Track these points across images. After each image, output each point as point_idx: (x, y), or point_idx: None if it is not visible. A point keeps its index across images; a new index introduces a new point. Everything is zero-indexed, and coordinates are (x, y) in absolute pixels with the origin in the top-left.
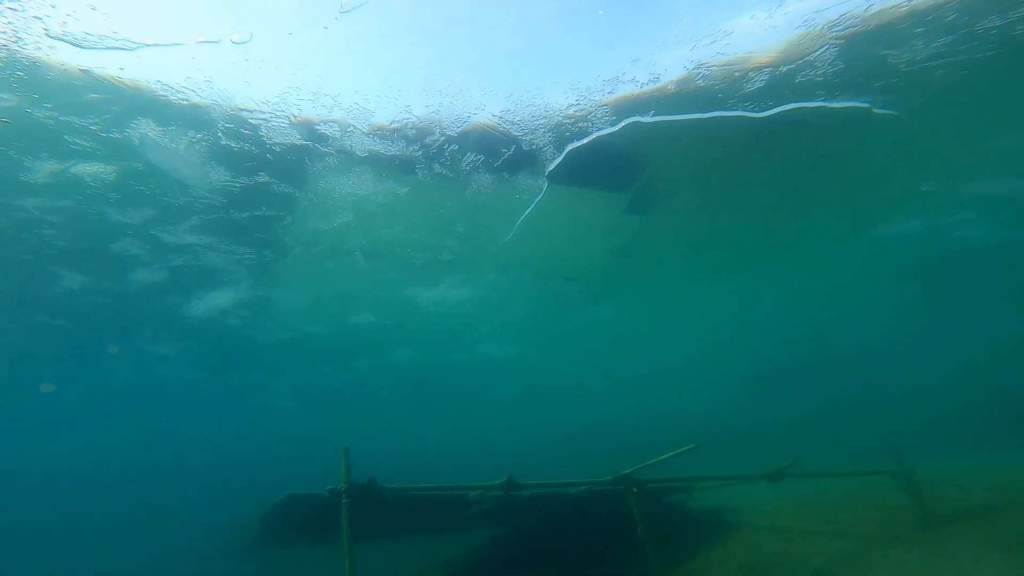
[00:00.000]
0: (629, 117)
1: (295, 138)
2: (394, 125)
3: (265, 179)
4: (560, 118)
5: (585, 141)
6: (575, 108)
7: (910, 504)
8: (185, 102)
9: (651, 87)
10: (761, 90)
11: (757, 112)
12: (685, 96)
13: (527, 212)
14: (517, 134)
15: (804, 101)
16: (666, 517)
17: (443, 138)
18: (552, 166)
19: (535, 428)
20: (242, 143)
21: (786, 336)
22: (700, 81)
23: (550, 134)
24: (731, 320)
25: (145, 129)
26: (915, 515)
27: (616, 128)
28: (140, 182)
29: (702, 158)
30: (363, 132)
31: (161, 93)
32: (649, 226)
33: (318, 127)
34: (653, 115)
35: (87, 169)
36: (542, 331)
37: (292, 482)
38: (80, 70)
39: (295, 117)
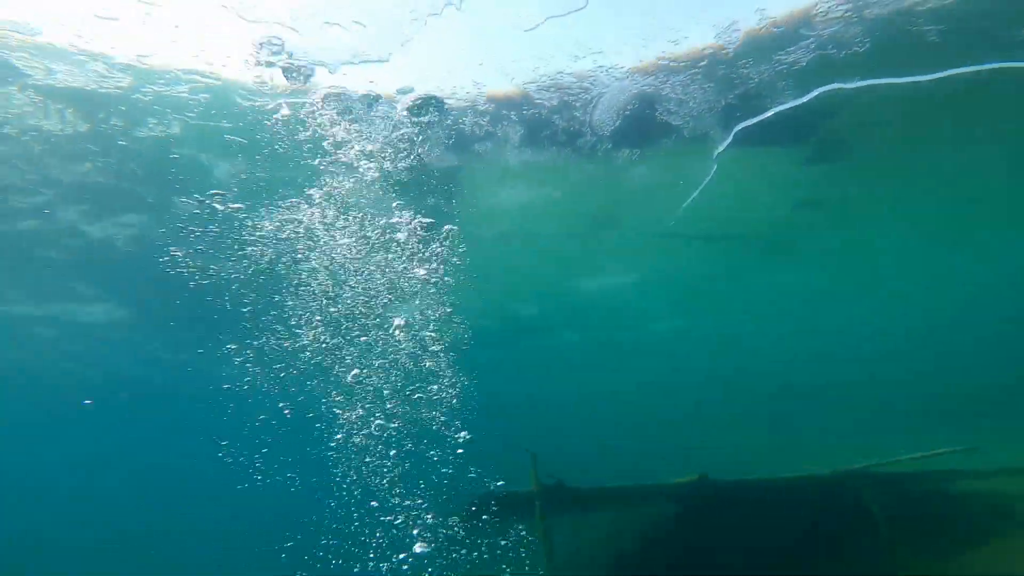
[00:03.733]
0: (820, 85)
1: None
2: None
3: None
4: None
5: (759, 119)
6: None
7: None
8: None
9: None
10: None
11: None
12: (888, 45)
13: (693, 196)
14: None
15: None
16: (919, 511)
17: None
18: (721, 148)
19: (718, 410)
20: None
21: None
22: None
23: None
24: (960, 278)
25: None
26: None
27: (805, 99)
28: None
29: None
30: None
31: None
32: (840, 173)
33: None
34: (858, 81)
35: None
36: (717, 301)
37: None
38: None
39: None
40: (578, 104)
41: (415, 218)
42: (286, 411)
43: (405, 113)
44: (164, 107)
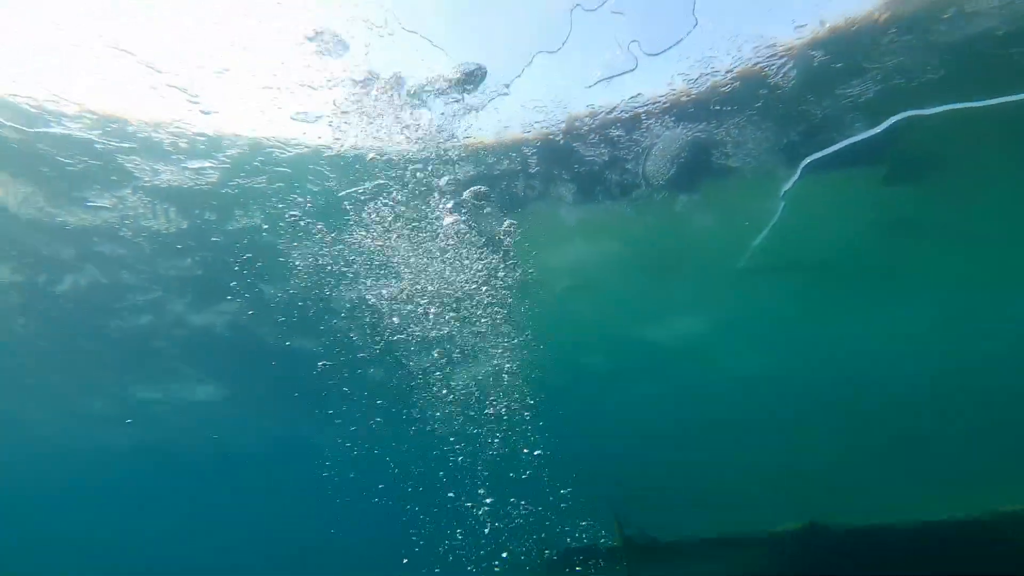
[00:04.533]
0: (893, 114)
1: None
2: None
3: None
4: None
5: (829, 151)
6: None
7: None
8: None
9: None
10: None
11: None
12: (967, 68)
13: (762, 235)
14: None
15: None
16: None
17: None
18: (788, 186)
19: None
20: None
21: None
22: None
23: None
24: None
25: None
26: None
27: (878, 129)
28: None
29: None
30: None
31: None
32: (929, 192)
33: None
34: (937, 107)
35: None
36: (799, 338)
37: None
38: None
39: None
40: (630, 156)
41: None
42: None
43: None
44: (247, 198)
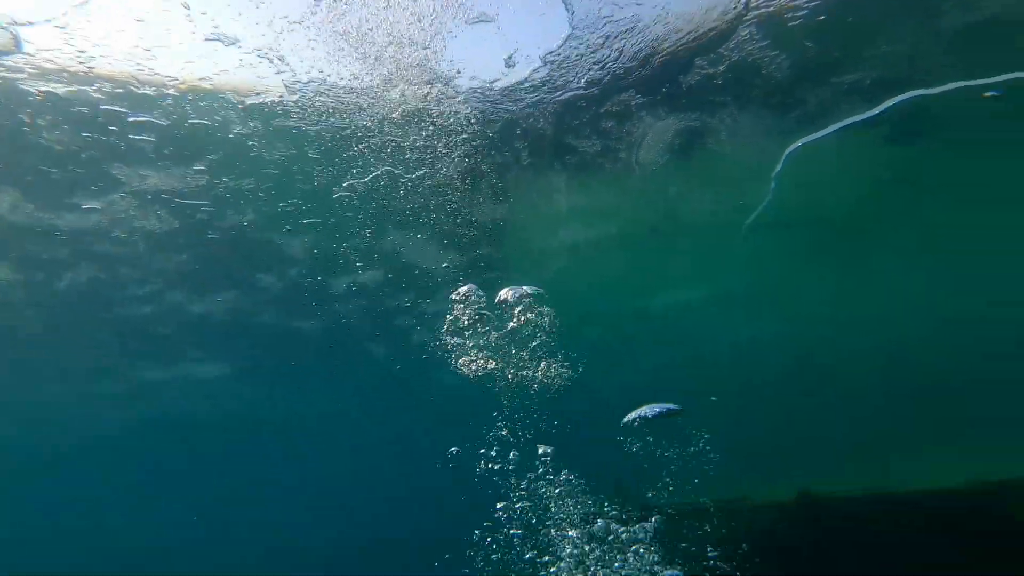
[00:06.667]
0: (891, 96)
1: None
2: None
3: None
4: None
5: (813, 137)
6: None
7: None
8: None
9: None
10: None
11: None
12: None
13: (753, 216)
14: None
15: None
16: None
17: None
18: (778, 169)
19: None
20: None
21: None
22: None
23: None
24: None
25: None
26: None
27: (876, 111)
28: None
29: None
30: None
31: None
32: (930, 150)
33: None
34: (939, 87)
35: None
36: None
37: None
38: None
39: None
40: (622, 145)
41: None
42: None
43: None
44: (237, 198)
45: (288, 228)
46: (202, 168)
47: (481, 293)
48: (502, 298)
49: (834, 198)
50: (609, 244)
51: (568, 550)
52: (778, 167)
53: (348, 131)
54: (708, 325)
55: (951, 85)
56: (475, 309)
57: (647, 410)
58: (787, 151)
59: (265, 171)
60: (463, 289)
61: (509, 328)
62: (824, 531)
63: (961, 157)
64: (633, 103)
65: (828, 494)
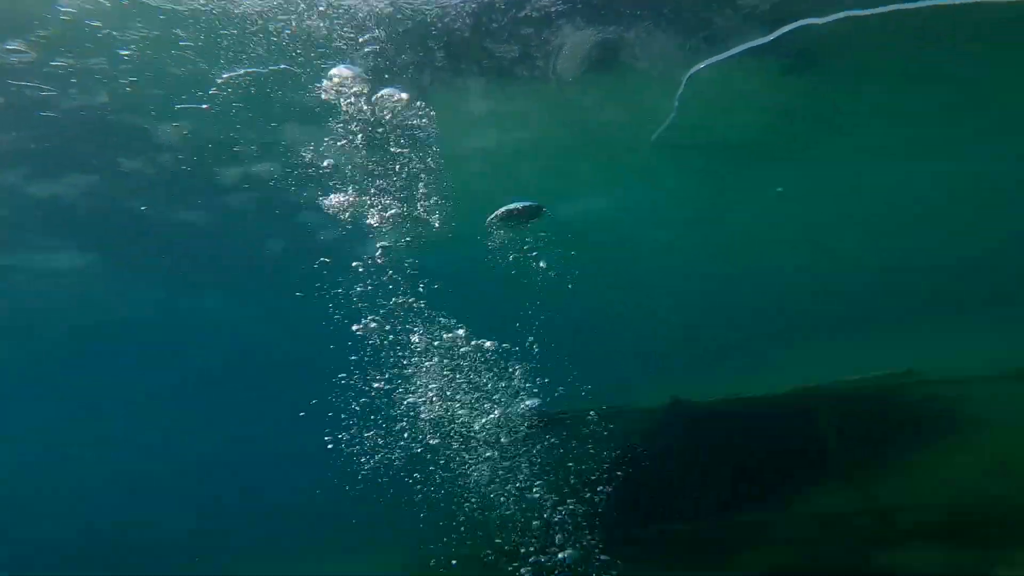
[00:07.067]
0: (786, 22)
1: None
2: None
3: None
4: None
5: (712, 61)
6: None
7: None
8: None
9: None
10: None
11: None
12: None
13: (658, 131)
14: None
15: None
16: (871, 415)
17: None
18: (680, 90)
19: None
20: None
21: None
22: None
23: None
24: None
25: None
26: None
27: (771, 38)
28: None
29: None
30: None
31: None
32: (821, 86)
33: None
34: (831, 16)
35: None
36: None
37: None
38: None
39: None
40: (540, 53)
41: None
42: None
43: None
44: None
45: (153, 111)
46: (19, 47)
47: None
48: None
49: (732, 124)
50: (523, 151)
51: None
52: (680, 88)
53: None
54: (611, 235)
55: (840, 15)
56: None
57: (511, 207)
58: (689, 73)
59: (119, 51)
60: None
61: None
62: (690, 432)
63: (847, 90)
64: (552, 10)
65: (697, 400)
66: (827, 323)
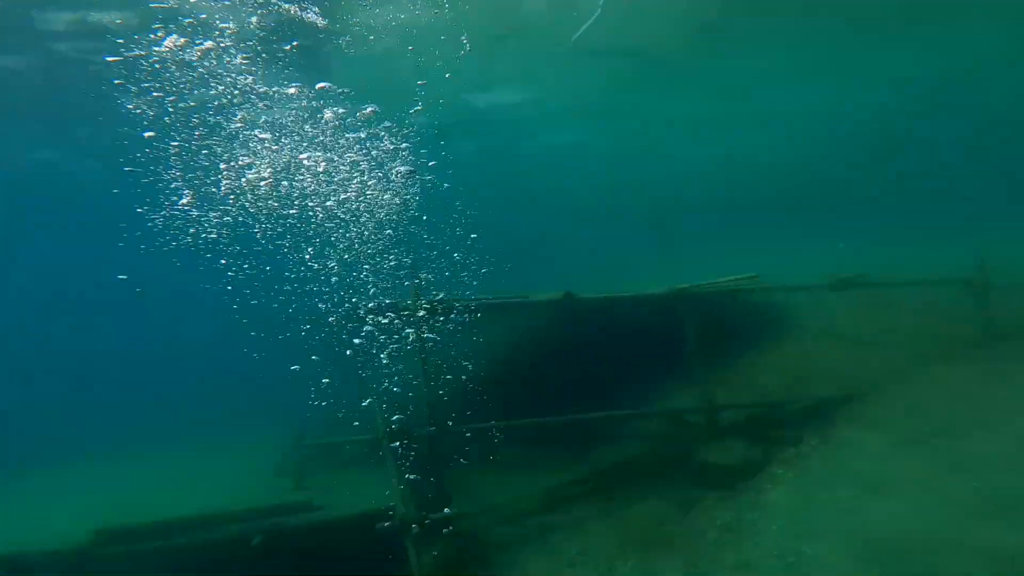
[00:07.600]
0: None
1: None
2: None
3: None
4: None
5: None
6: None
7: (978, 316)
8: None
9: None
10: None
11: None
12: None
13: (583, 28)
14: None
15: None
16: (720, 319)
17: None
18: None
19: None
20: None
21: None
22: None
23: None
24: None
25: None
26: (980, 328)
27: None
28: None
29: None
30: None
31: None
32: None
33: None
34: None
35: None
36: (610, 117)
37: None
38: None
39: None
40: None
41: None
42: None
43: None
44: None
45: None
46: None
47: None
48: None
49: (650, 33)
50: (443, 33)
51: None
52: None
53: None
54: (523, 128)
55: None
56: None
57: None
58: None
59: None
60: None
61: None
62: (580, 323)
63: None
64: None
65: (587, 295)
66: (708, 226)
